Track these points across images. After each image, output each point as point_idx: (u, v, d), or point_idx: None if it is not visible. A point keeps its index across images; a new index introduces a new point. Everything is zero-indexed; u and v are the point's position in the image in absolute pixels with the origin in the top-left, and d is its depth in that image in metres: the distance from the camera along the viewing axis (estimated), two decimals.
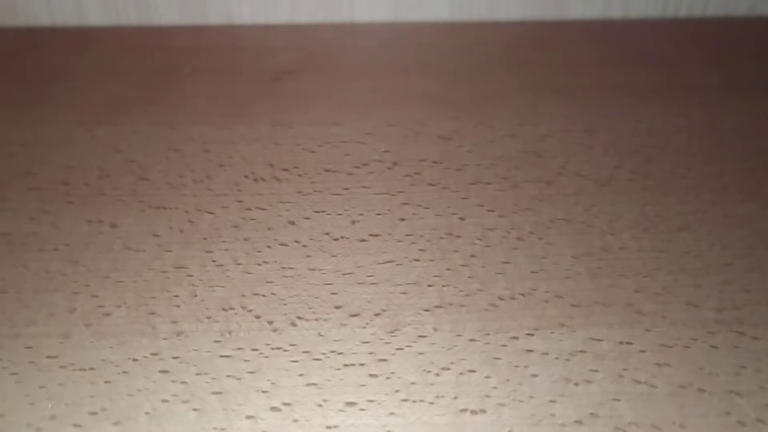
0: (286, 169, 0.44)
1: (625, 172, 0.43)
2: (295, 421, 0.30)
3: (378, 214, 0.40)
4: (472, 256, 0.38)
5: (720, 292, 0.35)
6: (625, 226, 0.39)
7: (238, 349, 0.33)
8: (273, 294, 0.35)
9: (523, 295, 0.35)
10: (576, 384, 0.31)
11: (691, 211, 0.40)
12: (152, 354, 0.33)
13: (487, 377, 0.32)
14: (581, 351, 0.32)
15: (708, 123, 0.48)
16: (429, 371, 0.32)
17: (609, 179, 0.43)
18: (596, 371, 0.32)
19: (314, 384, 0.31)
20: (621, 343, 0.33)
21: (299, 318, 0.34)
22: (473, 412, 0.30)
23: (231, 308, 0.35)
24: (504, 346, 0.33)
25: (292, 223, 0.40)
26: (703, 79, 0.52)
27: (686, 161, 0.44)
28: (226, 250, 0.38)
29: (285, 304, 0.35)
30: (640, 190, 0.42)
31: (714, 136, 0.46)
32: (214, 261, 0.37)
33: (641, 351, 0.32)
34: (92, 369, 0.32)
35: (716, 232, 0.39)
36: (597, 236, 0.39)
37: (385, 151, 0.45)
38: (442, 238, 0.39)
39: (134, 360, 0.32)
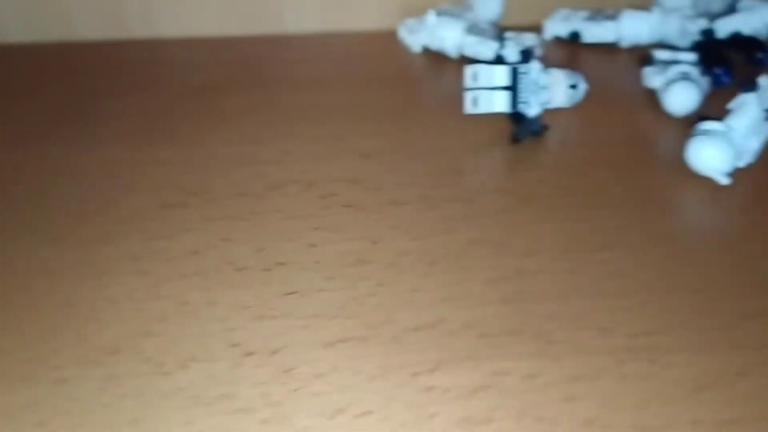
0: (196, 194, 0.42)
1: (548, 187, 0.42)
2: None
3: (286, 241, 0.38)
4: (381, 284, 0.36)
5: (635, 316, 0.34)
6: (543, 246, 0.38)
7: (122, 396, 0.31)
8: (166, 333, 0.33)
9: (430, 325, 0.34)
10: (476, 423, 0.29)
11: (612, 229, 0.39)
12: (27, 405, 0.30)
13: (384, 419, 0.30)
14: (485, 386, 0.31)
15: (638, 136, 0.46)
16: (323, 414, 0.30)
17: (531, 196, 0.41)
18: (498, 409, 0.30)
19: None
20: (527, 376, 0.31)
21: (191, 359, 0.32)
22: None
23: (120, 350, 0.33)
24: (404, 383, 0.31)
25: (196, 252, 0.38)
26: None
27: (615, 174, 0.43)
28: (122, 284, 0.36)
29: (177, 344, 0.33)
30: (562, 207, 0.40)
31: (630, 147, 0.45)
32: (107, 297, 0.35)
33: (548, 384, 0.31)
34: None
35: (636, 251, 0.37)
36: (513, 258, 0.37)
37: (302, 171, 0.43)
38: (351, 265, 0.37)
39: (4, 412, 0.30)
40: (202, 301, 0.35)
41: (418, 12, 0.59)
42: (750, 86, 0.42)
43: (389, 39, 0.59)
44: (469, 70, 0.45)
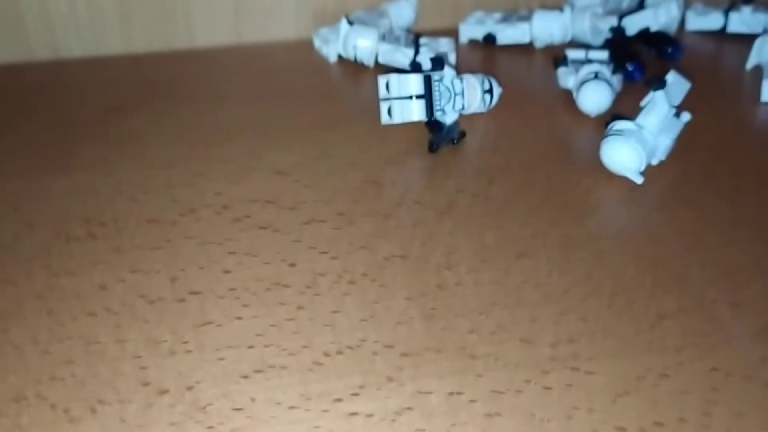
0: (104, 224, 0.40)
1: (467, 196, 0.41)
2: None
3: (201, 268, 0.37)
4: (300, 307, 0.35)
5: (556, 324, 0.34)
6: (463, 258, 0.37)
7: None
8: (73, 376, 0.32)
9: (350, 348, 0.33)
10: None
11: (531, 235, 0.39)
12: None
13: None
14: (408, 408, 0.30)
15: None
16: None
17: (450, 206, 0.41)
18: (422, 430, 0.29)
19: None
20: (451, 394, 0.31)
21: (100, 402, 0.31)
22: None
23: (24, 398, 0.31)
24: (326, 411, 0.30)
25: (104, 287, 0.36)
26: None
27: (532, 179, 0.43)
28: (25, 327, 0.34)
29: (86, 387, 0.31)
30: (481, 216, 0.40)
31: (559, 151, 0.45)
32: (10, 342, 0.33)
33: (471, 401, 0.30)
34: None
35: (555, 257, 0.37)
36: (433, 272, 0.36)
37: (215, 194, 0.42)
38: (268, 289, 0.36)
39: None
40: (111, 339, 0.33)
41: (332, 20, 0.58)
42: (659, 84, 0.43)
43: (305, 49, 0.58)
44: (381, 81, 0.44)
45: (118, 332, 0.34)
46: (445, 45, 0.55)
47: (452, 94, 0.45)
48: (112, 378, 0.32)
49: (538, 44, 0.58)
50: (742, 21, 0.58)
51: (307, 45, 0.58)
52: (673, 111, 0.43)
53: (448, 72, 0.45)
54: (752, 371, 0.31)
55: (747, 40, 0.55)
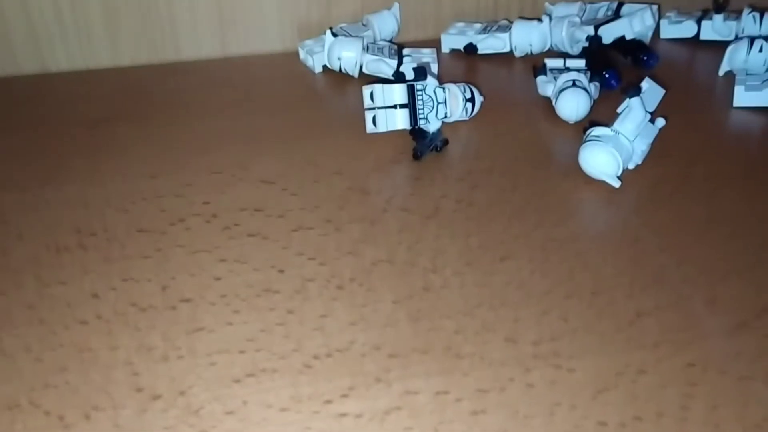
0: (94, 234, 0.40)
1: (451, 201, 0.42)
2: None
3: (191, 276, 0.38)
4: (290, 312, 0.36)
5: (538, 323, 0.35)
6: (448, 261, 0.38)
7: None
8: (67, 383, 0.32)
9: (339, 350, 0.34)
10: None
11: (514, 238, 0.40)
12: None
13: None
14: (397, 408, 0.31)
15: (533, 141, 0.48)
16: None
17: (434, 212, 0.42)
18: (411, 429, 0.30)
19: None
20: (438, 393, 0.31)
21: (94, 408, 0.31)
22: None
23: (17, 405, 0.31)
24: (316, 412, 0.31)
25: (96, 296, 0.37)
26: None
27: (513, 183, 0.44)
28: (17, 336, 0.34)
29: (79, 394, 0.32)
30: (465, 220, 0.41)
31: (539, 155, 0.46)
32: (2, 350, 0.34)
33: (458, 400, 0.31)
34: None
35: (537, 258, 0.38)
36: (419, 276, 0.37)
37: (204, 203, 0.43)
38: (258, 295, 0.37)
39: None
40: (103, 346, 0.34)
41: (317, 32, 0.60)
42: (634, 91, 0.44)
43: (290, 60, 0.59)
44: (365, 91, 0.45)
45: (111, 339, 0.34)
46: (427, 55, 0.57)
47: (435, 103, 0.47)
48: (106, 384, 0.32)
49: (518, 53, 0.59)
50: (714, 29, 0.60)
51: (292, 57, 0.59)
52: (649, 117, 0.44)
53: (430, 81, 0.46)
54: (727, 366, 0.32)
55: (719, 47, 0.57)
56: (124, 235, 0.40)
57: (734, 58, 0.54)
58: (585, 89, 0.49)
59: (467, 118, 0.50)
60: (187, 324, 0.35)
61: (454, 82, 0.49)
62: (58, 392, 0.32)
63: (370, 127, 0.46)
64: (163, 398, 0.31)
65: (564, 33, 0.58)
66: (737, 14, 0.60)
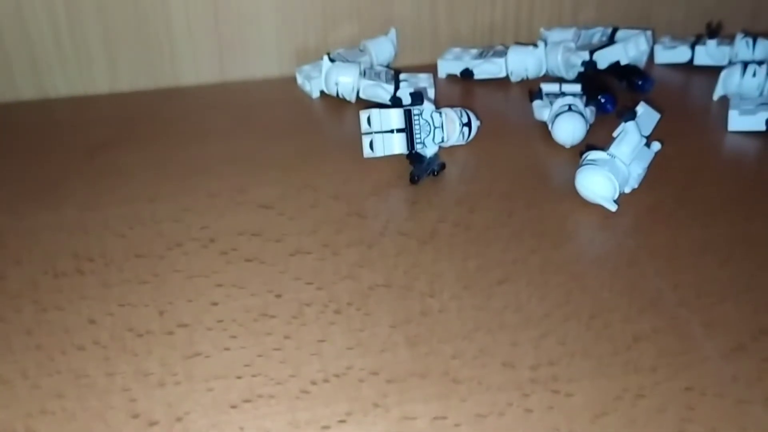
0: (91, 259, 0.41)
1: (448, 225, 0.43)
2: None
3: (188, 301, 0.38)
4: (287, 337, 0.36)
5: (536, 347, 0.35)
6: (446, 285, 0.38)
7: None
8: (64, 409, 0.32)
9: (337, 375, 0.33)
10: None
11: (512, 261, 0.40)
12: None
13: None
14: None
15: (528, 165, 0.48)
16: None
17: (432, 235, 0.42)
18: None
19: None
20: (436, 418, 0.31)
21: None
22: None
23: None
24: None
25: (93, 321, 0.36)
26: None
27: (510, 207, 0.44)
28: (14, 362, 0.34)
29: (76, 420, 0.32)
30: (462, 244, 0.41)
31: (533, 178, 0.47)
32: None
33: (456, 425, 0.31)
34: None
35: (535, 282, 0.38)
36: (417, 300, 0.37)
37: (202, 228, 0.43)
38: (255, 320, 0.36)
39: None
40: (100, 372, 0.34)
41: (314, 58, 0.60)
42: (629, 115, 0.45)
43: (288, 86, 0.60)
44: (362, 115, 0.46)
45: (108, 365, 0.34)
46: (424, 80, 0.57)
47: (432, 128, 0.47)
48: (103, 411, 0.32)
49: (514, 78, 0.60)
50: (708, 54, 0.61)
51: (290, 82, 0.60)
52: (644, 141, 0.45)
53: (427, 106, 0.47)
54: (725, 389, 0.32)
55: (713, 71, 0.58)
56: (121, 260, 0.40)
57: (728, 83, 0.55)
58: (581, 113, 0.49)
59: (464, 143, 0.50)
60: (184, 349, 0.35)
61: (451, 106, 0.49)
62: (55, 418, 0.32)
63: (367, 152, 0.47)
64: (160, 424, 0.31)
65: (559, 58, 0.58)
66: (730, 39, 0.60)
